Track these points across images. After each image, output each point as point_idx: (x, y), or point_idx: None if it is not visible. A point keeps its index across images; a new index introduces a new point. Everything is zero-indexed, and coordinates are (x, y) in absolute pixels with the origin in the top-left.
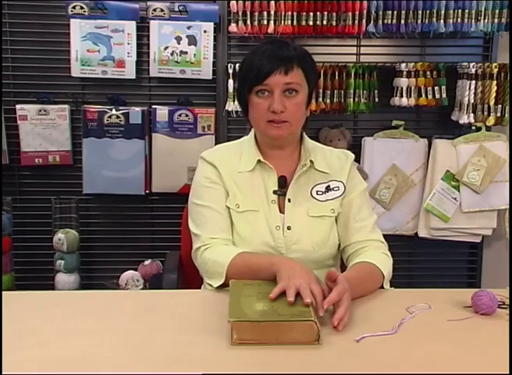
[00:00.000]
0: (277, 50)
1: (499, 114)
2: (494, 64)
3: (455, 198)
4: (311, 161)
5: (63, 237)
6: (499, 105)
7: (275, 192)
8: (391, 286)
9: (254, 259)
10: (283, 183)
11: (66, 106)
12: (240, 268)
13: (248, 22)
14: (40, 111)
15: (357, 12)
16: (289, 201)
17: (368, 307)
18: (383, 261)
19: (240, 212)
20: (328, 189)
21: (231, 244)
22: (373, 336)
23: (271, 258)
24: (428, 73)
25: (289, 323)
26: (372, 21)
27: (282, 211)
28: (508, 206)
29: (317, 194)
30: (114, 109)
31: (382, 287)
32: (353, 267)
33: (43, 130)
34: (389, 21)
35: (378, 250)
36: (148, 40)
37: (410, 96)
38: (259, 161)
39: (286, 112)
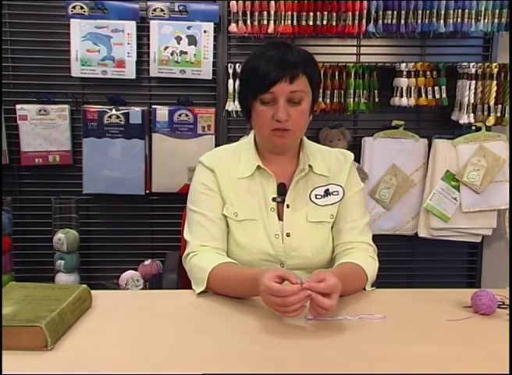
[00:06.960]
0: (282, 55)
1: (499, 114)
2: (494, 64)
3: (455, 198)
4: (310, 165)
5: (63, 237)
6: (499, 105)
7: (274, 199)
8: (390, 286)
9: (236, 269)
10: (283, 191)
11: (66, 106)
12: (221, 275)
13: (248, 22)
14: (40, 111)
15: (357, 12)
16: (287, 206)
17: (367, 307)
18: (368, 263)
19: (238, 220)
20: (327, 193)
21: (223, 253)
22: (362, 319)
23: (252, 269)
24: (428, 73)
25: (16, 328)
26: (372, 21)
27: (281, 218)
28: (508, 206)
29: (316, 198)
30: (114, 109)
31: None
32: (339, 266)
33: (43, 130)
34: (389, 21)
35: (365, 252)
36: (148, 40)
37: (410, 96)
38: (258, 167)
39: (290, 120)
